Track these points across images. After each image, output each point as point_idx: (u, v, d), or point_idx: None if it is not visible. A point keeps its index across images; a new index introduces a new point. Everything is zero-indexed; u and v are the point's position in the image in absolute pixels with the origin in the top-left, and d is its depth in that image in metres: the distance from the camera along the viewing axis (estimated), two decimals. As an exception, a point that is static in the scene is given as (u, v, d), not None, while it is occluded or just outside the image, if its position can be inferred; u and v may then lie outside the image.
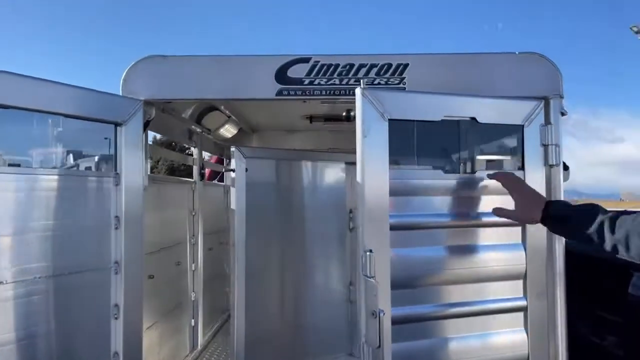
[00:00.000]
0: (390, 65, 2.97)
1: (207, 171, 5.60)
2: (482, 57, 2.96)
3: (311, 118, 5.30)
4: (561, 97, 2.90)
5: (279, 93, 3.02)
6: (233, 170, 3.27)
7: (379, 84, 2.99)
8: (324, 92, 3.02)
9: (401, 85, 2.97)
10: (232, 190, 3.29)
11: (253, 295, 3.31)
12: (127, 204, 2.82)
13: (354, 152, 2.48)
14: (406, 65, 2.96)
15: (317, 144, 6.29)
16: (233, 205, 3.27)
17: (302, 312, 3.82)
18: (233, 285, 3.22)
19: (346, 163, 3.97)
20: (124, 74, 2.98)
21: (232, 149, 3.33)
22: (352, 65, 2.99)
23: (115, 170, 2.83)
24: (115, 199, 2.82)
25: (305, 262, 3.78)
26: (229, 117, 4.85)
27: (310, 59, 3.01)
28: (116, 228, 2.81)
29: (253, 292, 3.31)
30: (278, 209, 3.67)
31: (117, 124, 2.84)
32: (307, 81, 3.01)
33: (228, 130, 5.19)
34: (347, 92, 3.01)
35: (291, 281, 3.74)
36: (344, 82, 3.00)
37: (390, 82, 2.98)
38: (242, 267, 3.23)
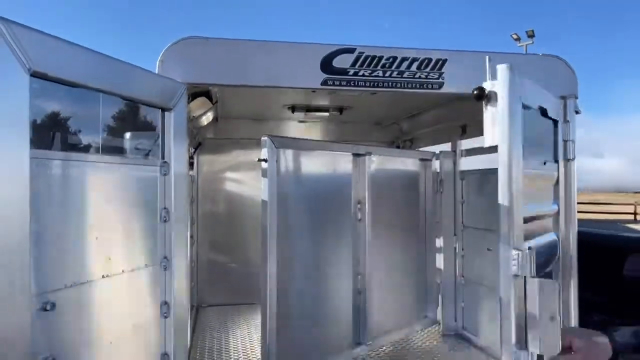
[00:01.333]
0: (430, 60, 3.10)
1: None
2: (511, 57, 3.20)
3: (293, 108, 5.26)
4: (576, 97, 3.22)
5: (324, 82, 3.01)
6: (265, 160, 3.18)
7: (419, 77, 3.09)
8: (367, 84, 3.06)
9: (440, 80, 3.10)
10: (264, 181, 3.20)
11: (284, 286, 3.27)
12: (175, 195, 2.65)
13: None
14: (445, 61, 3.10)
15: (293, 134, 6.26)
16: (265, 197, 3.19)
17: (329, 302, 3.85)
18: (265, 278, 3.15)
19: (353, 155, 4.01)
20: (161, 54, 2.77)
21: (264, 138, 3.23)
22: (395, 58, 3.07)
23: (163, 158, 2.63)
24: (164, 189, 2.63)
25: (322, 253, 3.79)
26: (214, 103, 4.66)
27: (355, 49, 3.03)
28: (165, 221, 2.63)
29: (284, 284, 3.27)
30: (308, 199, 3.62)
31: (164, 109, 2.64)
32: (352, 72, 3.03)
33: (207, 118, 4.97)
34: (390, 84, 3.08)
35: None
36: (387, 74, 3.07)
37: (430, 77, 3.10)
38: (274, 260, 3.17)
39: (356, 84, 3.05)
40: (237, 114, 5.83)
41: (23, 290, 1.75)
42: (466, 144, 4.84)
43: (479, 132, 4.57)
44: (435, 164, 4.89)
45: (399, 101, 4.62)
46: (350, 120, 6.26)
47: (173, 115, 2.65)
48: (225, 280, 6.07)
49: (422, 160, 4.88)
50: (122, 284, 2.39)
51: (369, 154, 4.08)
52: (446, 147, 5.04)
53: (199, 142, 5.97)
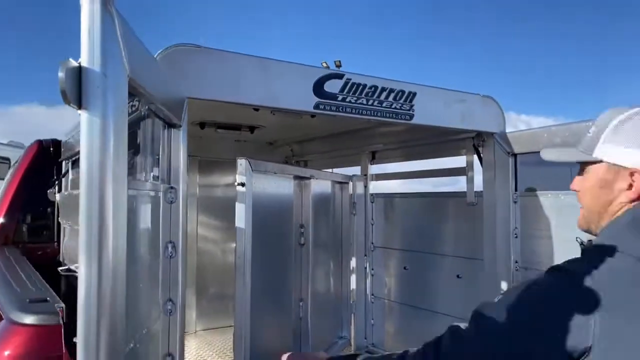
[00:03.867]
0: (403, 92, 3.28)
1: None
2: (466, 95, 3.57)
3: (202, 125, 4.90)
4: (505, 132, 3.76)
5: (317, 106, 2.94)
6: (242, 185, 2.91)
7: (395, 108, 3.25)
8: (353, 110, 3.09)
9: (411, 111, 3.31)
10: (238, 206, 2.94)
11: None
12: (183, 226, 2.27)
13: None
14: (415, 94, 3.32)
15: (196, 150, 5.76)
16: (241, 223, 2.92)
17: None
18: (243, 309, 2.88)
19: (295, 177, 3.93)
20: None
21: (240, 160, 2.96)
22: (376, 88, 3.16)
23: (169, 183, 2.24)
24: (170, 220, 2.23)
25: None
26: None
27: (344, 75, 3.04)
28: (171, 257, 2.23)
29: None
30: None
31: (171, 125, 2.26)
32: (340, 97, 3.02)
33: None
34: (372, 113, 3.16)
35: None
36: (369, 102, 3.15)
37: (403, 108, 3.28)
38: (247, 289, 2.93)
39: (344, 109, 3.04)
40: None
41: None
42: (375, 169, 5.18)
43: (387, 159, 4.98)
44: (350, 187, 5.10)
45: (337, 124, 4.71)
46: (244, 139, 6.09)
47: (181, 133, 2.29)
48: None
49: (340, 183, 5.03)
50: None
51: (312, 176, 4.06)
52: (354, 170, 5.32)
53: None
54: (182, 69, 2.41)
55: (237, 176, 2.97)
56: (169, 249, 2.20)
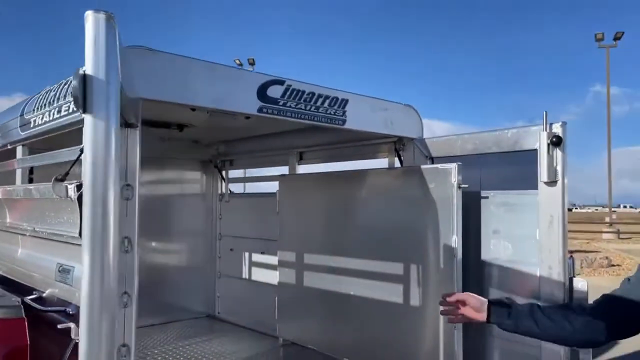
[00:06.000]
0: (337, 98, 3.58)
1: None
2: (389, 104, 3.95)
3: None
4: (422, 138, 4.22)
5: (260, 110, 3.14)
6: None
7: (330, 113, 3.54)
8: (293, 115, 3.33)
9: (343, 117, 3.63)
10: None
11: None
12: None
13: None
14: (347, 101, 3.64)
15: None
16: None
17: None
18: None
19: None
20: (107, 61, 2.44)
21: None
22: (313, 94, 3.43)
23: (126, 181, 2.34)
24: (126, 216, 2.33)
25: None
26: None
27: (284, 81, 3.27)
28: (126, 251, 2.33)
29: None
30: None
31: (129, 125, 2.36)
32: (281, 102, 3.25)
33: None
34: (310, 117, 3.42)
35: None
36: (307, 107, 3.41)
37: (336, 114, 3.59)
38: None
39: (284, 113, 3.27)
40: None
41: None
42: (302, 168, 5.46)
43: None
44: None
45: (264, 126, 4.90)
46: (169, 137, 6.07)
47: (138, 133, 2.40)
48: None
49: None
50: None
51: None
52: (282, 170, 5.55)
53: None
54: (136, 70, 2.50)
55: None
56: (125, 243, 2.30)
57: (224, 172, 6.45)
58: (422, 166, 3.93)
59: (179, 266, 6.38)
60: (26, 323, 1.91)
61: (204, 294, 6.48)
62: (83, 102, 1.31)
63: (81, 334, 1.29)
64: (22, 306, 2.02)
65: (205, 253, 6.53)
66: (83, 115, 1.34)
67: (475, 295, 2.21)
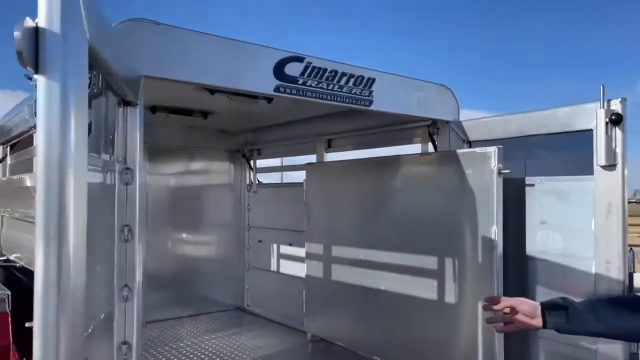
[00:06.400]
0: (362, 77, 3.28)
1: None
2: (423, 84, 3.62)
3: (154, 109, 4.72)
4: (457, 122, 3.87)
5: (277, 89, 2.88)
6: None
7: (354, 93, 3.25)
8: (314, 95, 3.06)
9: (370, 97, 3.33)
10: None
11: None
12: (141, 208, 2.18)
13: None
14: (373, 80, 3.34)
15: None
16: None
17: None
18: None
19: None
20: (107, 35, 2.24)
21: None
22: (336, 72, 3.15)
23: (125, 164, 2.13)
24: (126, 202, 2.13)
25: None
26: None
27: (304, 58, 3.00)
28: (126, 240, 2.13)
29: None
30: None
31: (127, 102, 2.15)
32: (300, 81, 2.98)
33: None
34: (332, 97, 3.14)
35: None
36: (330, 87, 3.13)
37: (362, 94, 3.29)
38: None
39: (304, 93, 3.01)
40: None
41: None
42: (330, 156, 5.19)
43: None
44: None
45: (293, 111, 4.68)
46: (196, 126, 5.92)
47: (138, 111, 2.19)
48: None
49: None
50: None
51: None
52: (310, 158, 5.30)
53: None
54: (139, 45, 2.29)
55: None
56: (125, 232, 2.10)
57: (251, 162, 6.26)
58: (459, 151, 3.59)
59: (208, 258, 6.26)
60: (9, 318, 1.74)
61: (233, 286, 6.34)
62: (34, 60, 1.08)
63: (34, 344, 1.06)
64: (7, 300, 1.85)
65: (234, 244, 6.38)
66: (36, 77, 1.10)
67: (526, 300, 1.87)
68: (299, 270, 5.14)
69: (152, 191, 5.72)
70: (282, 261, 5.81)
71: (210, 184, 6.32)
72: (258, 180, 6.29)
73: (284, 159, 6.07)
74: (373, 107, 3.34)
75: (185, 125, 5.81)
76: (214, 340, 5.09)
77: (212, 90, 3.76)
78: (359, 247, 4.39)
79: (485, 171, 3.28)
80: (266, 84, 2.83)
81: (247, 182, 6.35)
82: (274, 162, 6.19)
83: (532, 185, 3.26)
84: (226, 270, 6.31)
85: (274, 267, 5.90)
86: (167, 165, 5.97)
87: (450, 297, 3.57)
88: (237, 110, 4.93)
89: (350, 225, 4.52)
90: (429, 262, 3.73)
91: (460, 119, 3.84)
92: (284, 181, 6.18)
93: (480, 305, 3.22)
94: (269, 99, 4.06)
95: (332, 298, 4.68)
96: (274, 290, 5.89)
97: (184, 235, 6.10)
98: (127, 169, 2.13)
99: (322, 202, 4.86)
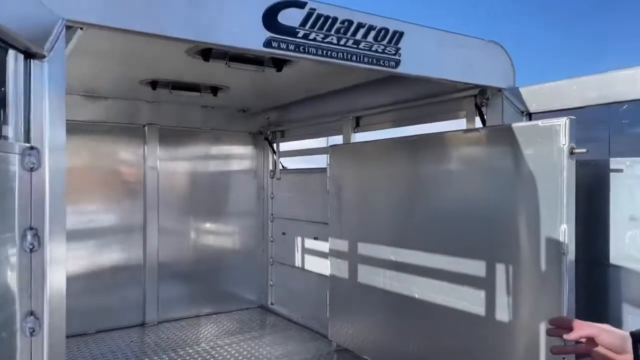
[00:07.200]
0: (387, 30, 2.53)
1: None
2: (467, 40, 2.83)
3: (154, 84, 4.13)
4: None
5: (268, 44, 2.18)
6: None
7: (376, 51, 2.50)
8: (320, 52, 2.34)
9: (396, 56, 2.56)
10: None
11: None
12: (54, 206, 1.55)
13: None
14: (402, 34, 2.57)
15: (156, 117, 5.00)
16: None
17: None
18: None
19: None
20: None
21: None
22: (350, 23, 2.41)
23: (28, 142, 1.51)
24: (30, 196, 1.51)
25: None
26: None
27: (305, 3, 2.28)
28: (32, 250, 1.52)
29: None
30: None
31: (30, 55, 1.52)
32: (301, 33, 2.27)
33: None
34: (345, 56, 2.41)
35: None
36: (342, 42, 2.39)
37: (386, 52, 2.53)
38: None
39: (306, 50, 2.29)
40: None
41: None
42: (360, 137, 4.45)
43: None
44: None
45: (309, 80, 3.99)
46: (212, 105, 5.33)
47: (48, 67, 1.54)
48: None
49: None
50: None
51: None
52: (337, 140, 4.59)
53: None
54: (56, -23, 1.65)
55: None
56: (29, 238, 1.48)
57: (274, 145, 5.61)
58: (515, 124, 2.77)
59: (229, 250, 5.70)
60: None
61: (256, 282, 5.77)
62: None
63: None
64: None
65: (256, 236, 5.79)
66: None
67: (610, 328, 1.30)
68: (325, 267, 4.47)
69: (165, 178, 5.21)
70: (306, 256, 5.16)
71: (230, 169, 5.73)
72: (282, 166, 5.64)
73: (309, 141, 5.38)
74: (400, 70, 2.59)
75: (198, 105, 5.23)
76: (229, 347, 4.53)
77: (206, 55, 3.13)
78: (390, 245, 3.65)
79: (551, 151, 2.45)
80: (252, 36, 2.14)
81: (270, 167, 5.71)
82: (298, 145, 5.51)
83: (619, 170, 2.40)
84: (248, 264, 5.74)
85: (298, 263, 5.26)
86: (181, 149, 5.42)
87: (501, 314, 2.79)
88: (249, 84, 4.28)
89: (381, 219, 3.79)
90: (476, 267, 2.95)
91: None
92: (309, 166, 5.51)
93: (543, 328, 2.45)
94: (279, 66, 3.37)
95: (359, 303, 3.99)
96: (299, 288, 5.27)
97: (202, 225, 5.54)
98: (32, 148, 1.50)
99: (348, 190, 4.14)
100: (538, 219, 2.54)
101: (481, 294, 2.91)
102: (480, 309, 2.91)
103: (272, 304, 5.69)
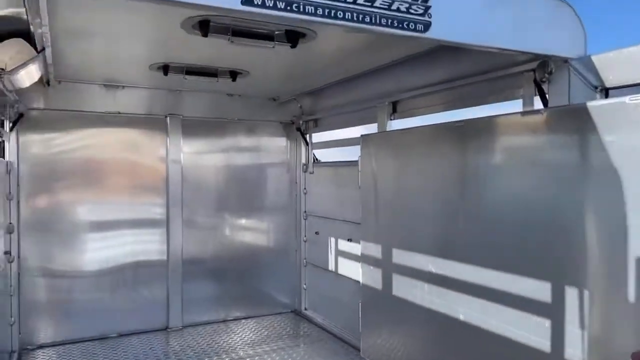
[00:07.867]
0: (412, -18, 1.93)
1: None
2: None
3: (166, 68, 3.73)
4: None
5: (247, 1, 1.66)
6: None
7: (398, 10, 1.91)
8: (319, 12, 1.79)
9: (425, 17, 1.96)
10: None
11: None
12: None
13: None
14: (433, -12, 1.96)
15: (159, 109, 4.65)
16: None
17: None
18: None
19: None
20: None
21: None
22: (362, -29, 1.84)
23: None
24: None
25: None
26: (40, 52, 2.98)
27: (298, -56, 1.73)
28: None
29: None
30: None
31: None
32: (292, -13, 1.73)
33: (30, 76, 3.26)
34: (356, 18, 1.85)
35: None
36: (351, -1, 1.83)
37: (412, 10, 1.94)
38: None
39: (302, 9, 1.75)
40: (79, 74, 4.10)
41: None
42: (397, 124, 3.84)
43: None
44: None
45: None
46: (240, 93, 4.90)
47: None
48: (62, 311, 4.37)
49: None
50: None
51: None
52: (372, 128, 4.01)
53: (20, 113, 4.12)
54: None
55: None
56: None
57: (307, 136, 5.10)
58: (591, 103, 2.10)
59: (259, 250, 5.28)
60: None
61: (288, 284, 5.32)
62: None
63: None
64: None
65: (289, 235, 5.33)
66: None
67: None
68: (359, 273, 3.93)
69: (190, 172, 4.85)
70: (340, 260, 4.64)
71: (261, 162, 5.27)
72: (315, 158, 5.13)
73: (344, 131, 4.82)
74: (430, 35, 1.99)
75: (223, 93, 4.82)
76: (265, 355, 4.12)
77: (204, 29, 2.67)
78: (430, 253, 3.06)
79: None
80: (226, -8, 1.63)
81: (303, 160, 5.22)
82: (331, 136, 4.97)
83: None
84: (280, 264, 5.29)
85: (332, 266, 4.75)
86: (207, 141, 5.03)
87: (573, 351, 2.15)
88: (270, 67, 3.79)
89: (419, 222, 3.19)
90: (539, 289, 2.32)
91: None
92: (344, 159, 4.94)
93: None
94: (293, 42, 2.86)
95: (394, 319, 3.42)
96: (333, 294, 4.77)
97: (230, 222, 5.12)
98: None
99: (382, 187, 3.57)
100: (625, 229, 1.88)
101: (545, 323, 2.28)
102: (544, 343, 2.28)
103: (305, 309, 5.22)
